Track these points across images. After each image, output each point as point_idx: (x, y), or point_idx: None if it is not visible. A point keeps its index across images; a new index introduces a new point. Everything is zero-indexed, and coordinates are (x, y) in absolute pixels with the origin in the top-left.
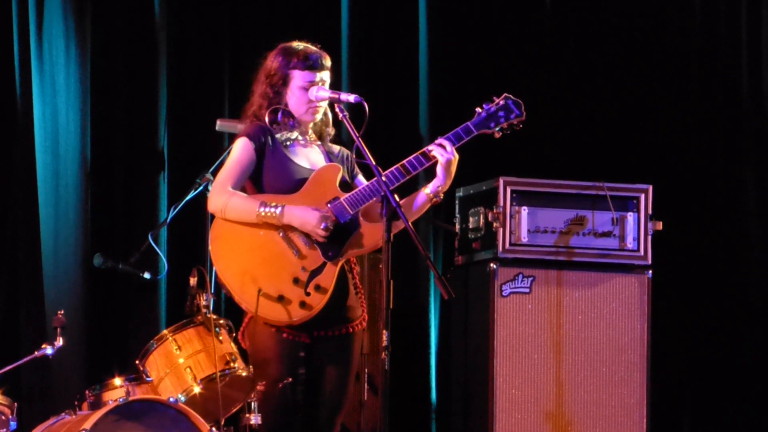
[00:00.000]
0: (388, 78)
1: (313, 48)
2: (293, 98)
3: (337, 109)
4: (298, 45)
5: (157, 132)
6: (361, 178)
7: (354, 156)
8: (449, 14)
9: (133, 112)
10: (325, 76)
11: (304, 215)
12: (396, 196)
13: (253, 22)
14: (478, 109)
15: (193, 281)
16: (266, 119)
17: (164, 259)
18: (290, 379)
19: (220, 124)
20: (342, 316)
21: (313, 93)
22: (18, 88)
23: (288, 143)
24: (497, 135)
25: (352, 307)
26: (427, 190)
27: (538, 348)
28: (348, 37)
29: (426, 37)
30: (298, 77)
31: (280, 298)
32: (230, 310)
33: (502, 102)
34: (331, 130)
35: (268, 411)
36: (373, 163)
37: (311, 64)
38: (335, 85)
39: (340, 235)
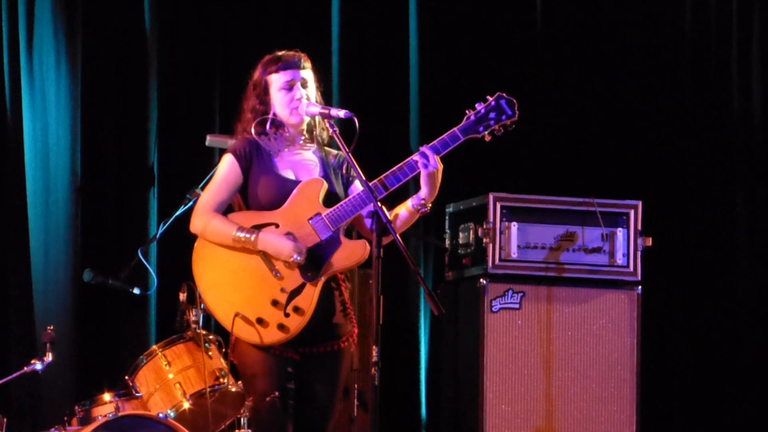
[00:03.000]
0: (379, 91)
1: (291, 52)
2: (276, 102)
3: (327, 125)
4: (277, 52)
5: (148, 147)
6: (357, 184)
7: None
8: (440, 27)
9: (123, 128)
10: (306, 75)
11: (278, 245)
12: (386, 210)
13: (244, 37)
14: (468, 112)
15: (182, 297)
16: (253, 131)
17: (154, 275)
18: (277, 394)
19: (210, 140)
20: (329, 333)
21: (303, 108)
22: (8, 103)
23: (279, 155)
24: (487, 138)
25: (339, 324)
26: (413, 201)
27: (528, 364)
28: (338, 51)
29: (416, 50)
30: (275, 80)
31: (259, 321)
32: (220, 326)
33: (493, 102)
34: (326, 135)
35: (258, 426)
36: (363, 178)
37: (285, 65)
38: (325, 99)
39: (320, 254)
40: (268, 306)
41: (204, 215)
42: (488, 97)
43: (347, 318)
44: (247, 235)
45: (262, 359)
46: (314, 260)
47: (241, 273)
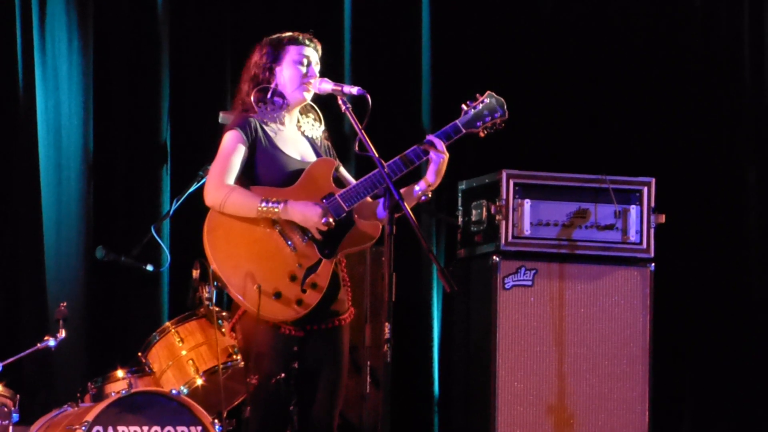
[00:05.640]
0: (391, 70)
1: (309, 35)
2: (287, 73)
3: (340, 102)
4: (296, 33)
5: (160, 124)
6: (342, 170)
7: (346, 149)
8: (452, 7)
9: (135, 105)
10: (318, 58)
11: (306, 210)
12: (400, 191)
13: (255, 14)
14: (464, 107)
15: (195, 274)
16: (252, 98)
17: (167, 252)
18: (283, 375)
19: (222, 117)
20: (332, 310)
21: (316, 85)
22: (21, 81)
23: (277, 132)
24: (482, 134)
25: (341, 301)
26: (419, 186)
27: (540, 341)
28: (350, 29)
29: (429, 29)
30: (293, 51)
31: (278, 295)
32: (232, 303)
33: (486, 100)
34: (320, 126)
35: (259, 405)
36: (376, 155)
37: (307, 42)
38: (337, 77)
39: (335, 232)
40: (287, 280)
41: (223, 187)
42: (478, 95)
43: (347, 294)
44: (274, 205)
45: (271, 338)
46: (330, 238)
47: (259, 246)
